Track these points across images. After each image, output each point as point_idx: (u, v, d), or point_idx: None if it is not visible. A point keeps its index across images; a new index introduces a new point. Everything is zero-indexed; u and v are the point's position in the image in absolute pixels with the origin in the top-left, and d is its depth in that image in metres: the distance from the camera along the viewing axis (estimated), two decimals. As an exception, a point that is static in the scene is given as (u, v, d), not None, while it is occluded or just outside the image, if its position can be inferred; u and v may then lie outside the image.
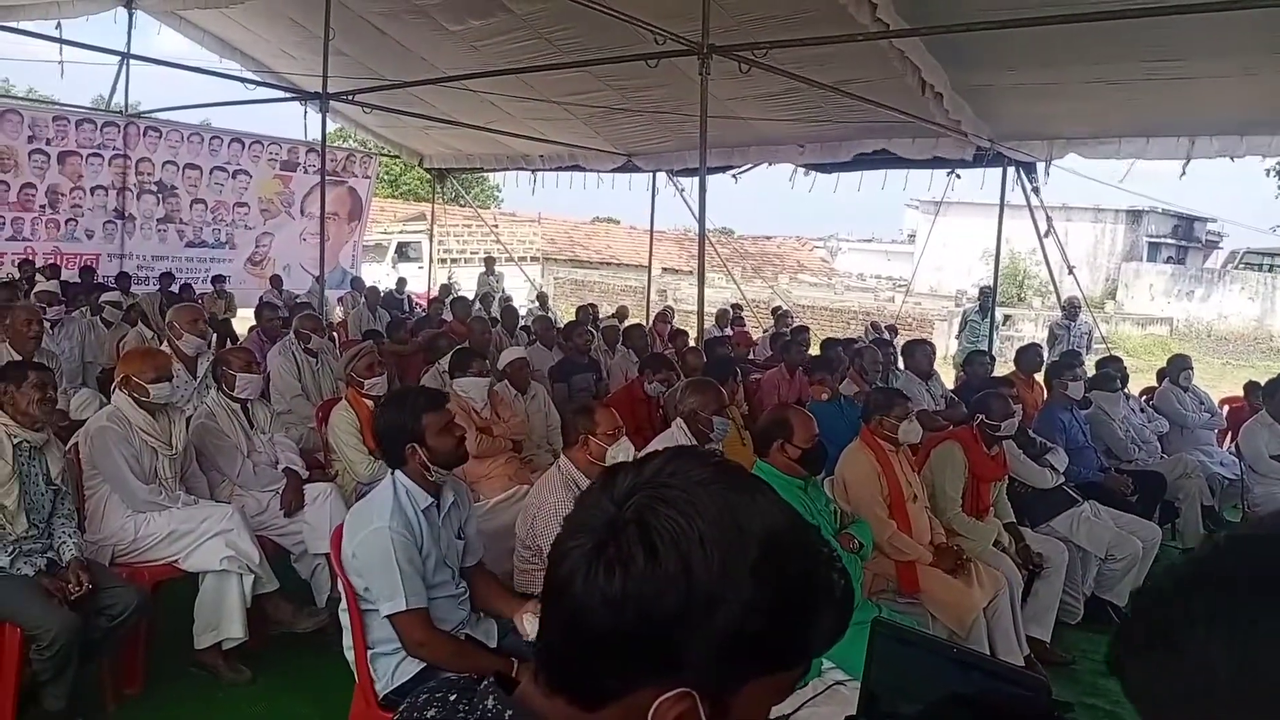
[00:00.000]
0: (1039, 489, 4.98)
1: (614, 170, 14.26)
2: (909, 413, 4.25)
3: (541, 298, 15.29)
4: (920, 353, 6.91)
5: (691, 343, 8.47)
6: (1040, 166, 10.94)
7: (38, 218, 12.63)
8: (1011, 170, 11.10)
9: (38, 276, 9.88)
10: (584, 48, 9.50)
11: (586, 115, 12.13)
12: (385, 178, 23.75)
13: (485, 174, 20.95)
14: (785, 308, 14.15)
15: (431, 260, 18.68)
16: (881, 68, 8.44)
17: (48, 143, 12.63)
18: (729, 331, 11.12)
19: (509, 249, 20.49)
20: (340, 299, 13.50)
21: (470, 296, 12.86)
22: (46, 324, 5.82)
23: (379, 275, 17.22)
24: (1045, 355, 7.91)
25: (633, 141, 13.16)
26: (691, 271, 27.01)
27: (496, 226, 21.60)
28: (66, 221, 12.94)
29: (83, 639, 3.21)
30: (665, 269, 24.19)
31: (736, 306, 13.34)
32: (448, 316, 11.07)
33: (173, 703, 3.60)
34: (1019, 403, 4.91)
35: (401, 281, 14.40)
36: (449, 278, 17.77)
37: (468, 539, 3.10)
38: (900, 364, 7.48)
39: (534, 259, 23.84)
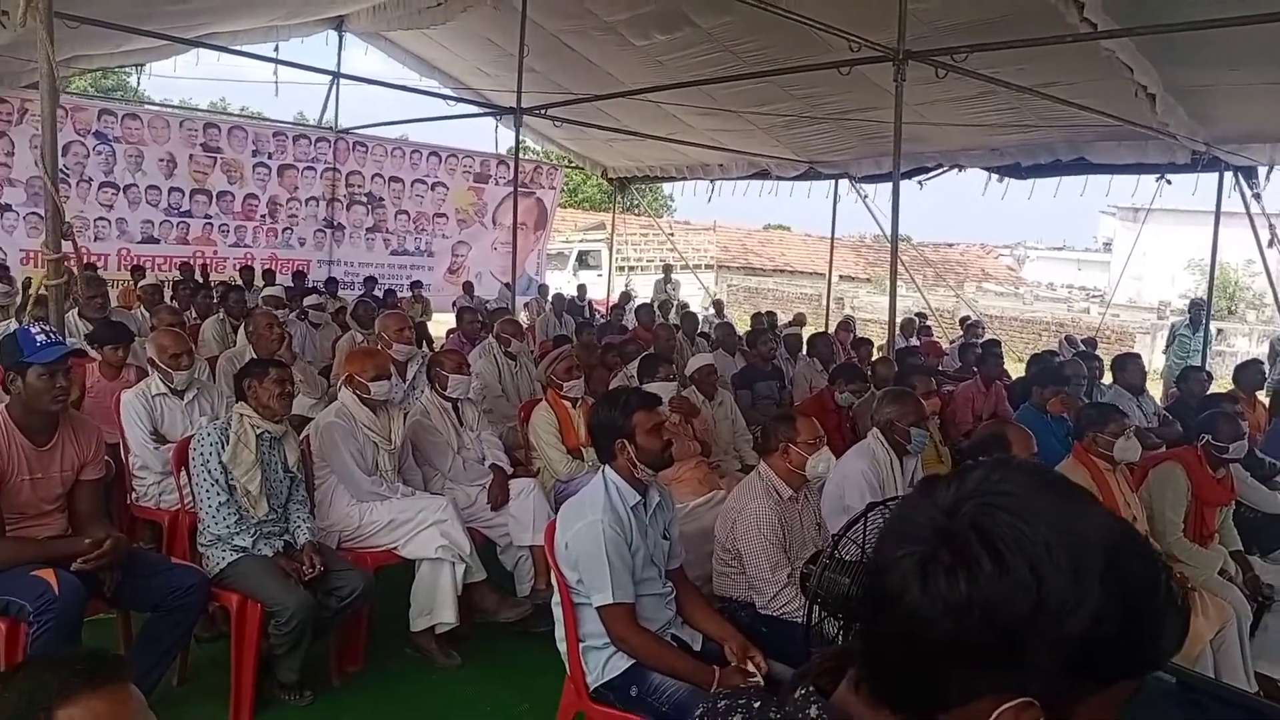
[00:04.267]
0: (1268, 514, 4.61)
1: (794, 178, 14.17)
2: (1126, 429, 4.03)
3: (717, 305, 15.35)
4: (1132, 366, 6.53)
5: (877, 352, 8.30)
6: (1262, 171, 10.14)
7: (258, 226, 13.78)
8: (1229, 175, 10.32)
9: (258, 281, 10.72)
10: (770, 58, 9.50)
11: (769, 125, 12.12)
12: (567, 188, 24.43)
13: (659, 184, 21.24)
14: (975, 318, 13.64)
15: (610, 268, 19.09)
16: (1086, 69, 8.04)
17: (269, 156, 13.75)
18: (916, 341, 10.84)
19: (684, 257, 20.67)
20: (526, 305, 14.00)
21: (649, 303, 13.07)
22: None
23: (560, 282, 17.73)
24: (1266, 372, 7.31)
25: (815, 149, 13.05)
26: (869, 279, 26.51)
27: (672, 234, 21.84)
28: (283, 230, 14.03)
29: (314, 617, 3.47)
30: (842, 276, 23.79)
31: (921, 315, 12.97)
32: (627, 322, 11.31)
33: (390, 681, 3.83)
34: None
35: (582, 288, 14.79)
36: (627, 285, 18.10)
37: (671, 540, 3.16)
38: (1106, 378, 7.08)
39: (708, 266, 23.96)
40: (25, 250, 11.31)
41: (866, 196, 13.70)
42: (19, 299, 6.34)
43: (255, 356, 5.36)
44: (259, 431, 3.67)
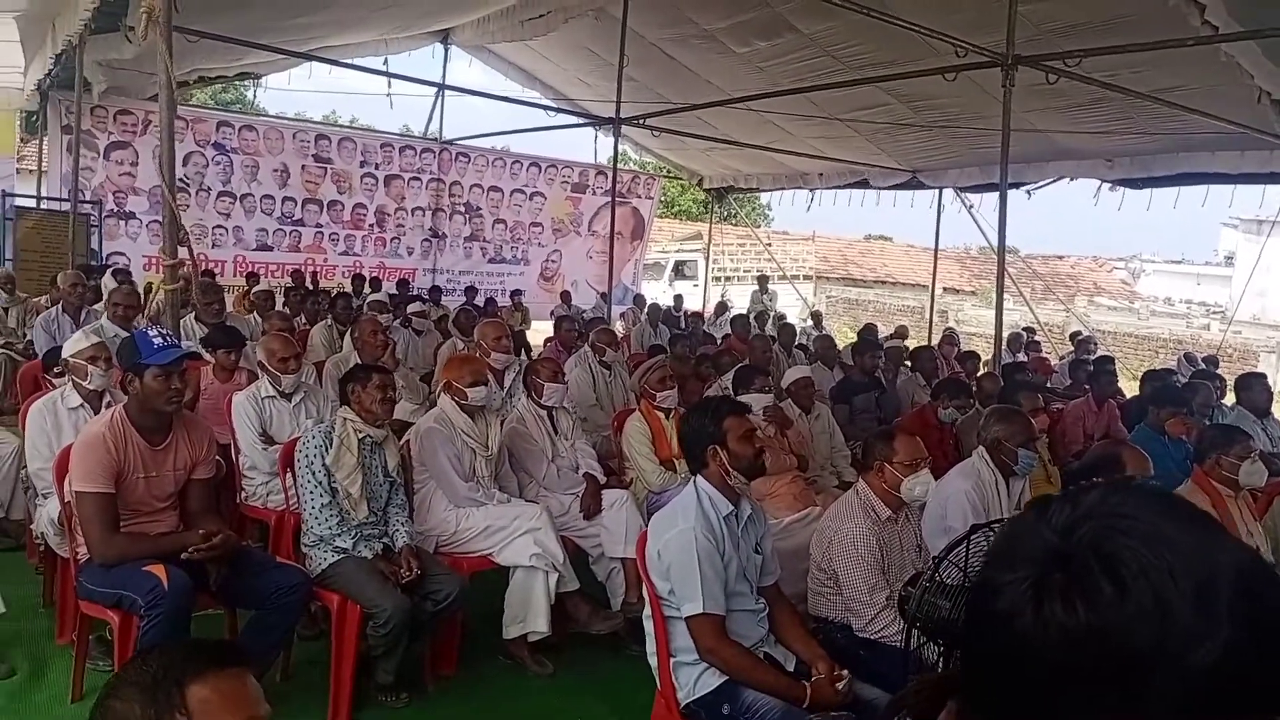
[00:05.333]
0: None
1: (896, 186, 13.91)
2: (1251, 453, 3.80)
3: (816, 316, 15.14)
4: (1257, 387, 6.18)
5: (983, 367, 8.05)
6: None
7: (367, 235, 14.21)
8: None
9: (366, 288, 11.02)
10: (873, 63, 9.35)
11: (871, 132, 11.93)
12: (663, 199, 24.50)
13: (758, 193, 21.10)
14: (1086, 333, 13.14)
15: (706, 278, 19.03)
16: (1206, 74, 7.69)
17: (376, 167, 14.16)
18: (1024, 357, 10.49)
19: (782, 267, 20.49)
20: (622, 314, 14.06)
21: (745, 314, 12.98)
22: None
23: (656, 292, 17.77)
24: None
25: (919, 157, 12.79)
26: (974, 292, 25.80)
27: (770, 245, 21.67)
28: (391, 239, 14.42)
29: (411, 620, 3.52)
30: (945, 289, 23.22)
31: (1029, 330, 12.56)
32: (714, 332, 11.25)
33: (483, 686, 3.85)
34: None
35: (679, 298, 14.77)
36: (723, 295, 18.02)
37: (764, 556, 3.10)
38: (1228, 399, 6.72)
39: (806, 277, 23.69)
40: (147, 256, 11.87)
41: (972, 206, 13.36)
42: (144, 303, 6.65)
43: (359, 362, 5.50)
44: (361, 435, 3.73)
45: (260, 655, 3.29)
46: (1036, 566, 0.74)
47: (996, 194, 7.52)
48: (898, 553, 3.38)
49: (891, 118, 11.07)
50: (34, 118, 11.85)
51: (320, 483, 3.64)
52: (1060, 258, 31.91)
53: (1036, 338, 12.70)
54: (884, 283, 26.37)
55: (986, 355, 10.41)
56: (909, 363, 8.31)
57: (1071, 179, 11.71)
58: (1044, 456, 5.03)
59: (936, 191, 13.79)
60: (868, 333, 10.71)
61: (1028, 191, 12.30)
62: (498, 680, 3.91)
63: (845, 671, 2.84)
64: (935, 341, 11.67)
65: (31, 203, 11.37)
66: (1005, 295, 7.34)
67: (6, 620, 3.72)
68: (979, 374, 7.66)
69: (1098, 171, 11.25)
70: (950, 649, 2.61)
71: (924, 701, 1.21)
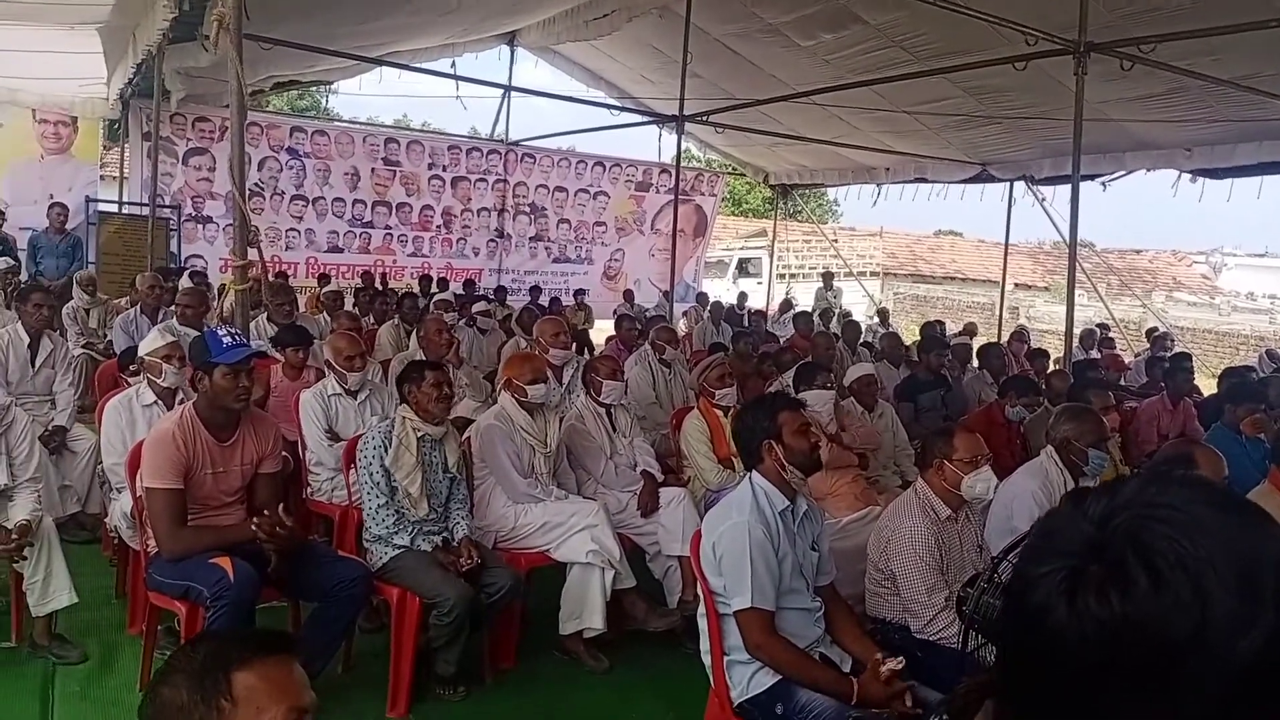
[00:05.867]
0: None
1: (965, 180, 13.65)
2: (1334, 453, 3.62)
3: (882, 313, 14.95)
4: (1342, 385, 5.91)
5: (1054, 364, 7.86)
6: None
7: (434, 236, 14.44)
8: None
9: (433, 288, 11.19)
10: (941, 54, 9.18)
11: (940, 125, 11.72)
12: (728, 196, 24.40)
13: (824, 189, 20.88)
14: (1162, 329, 12.74)
15: (771, 275, 18.90)
16: (1293, 59, 7.39)
17: (443, 169, 14.38)
18: (1097, 354, 10.21)
19: (848, 264, 20.25)
20: (685, 313, 14.04)
21: (808, 311, 12.87)
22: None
23: (719, 290, 17.71)
24: None
25: (988, 149, 12.54)
26: (1047, 287, 25.19)
27: (836, 241, 21.44)
28: (458, 240, 14.63)
29: (473, 609, 3.55)
30: (1017, 284, 22.71)
31: (1103, 326, 12.22)
32: (777, 330, 11.16)
33: (540, 681, 3.88)
34: None
35: (743, 296, 14.70)
36: (788, 293, 17.89)
37: (820, 554, 3.06)
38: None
39: (873, 274, 23.37)
40: (224, 259, 12.18)
41: (1044, 200, 13.03)
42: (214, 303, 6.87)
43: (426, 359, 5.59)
44: (420, 434, 3.76)
45: (322, 647, 3.36)
46: (1071, 558, 0.73)
47: (1068, 186, 7.34)
48: (958, 553, 3.32)
49: (960, 109, 10.86)
50: (116, 126, 12.27)
51: (377, 484, 3.68)
52: (1137, 252, 30.93)
53: (1111, 334, 12.35)
54: (953, 279, 25.88)
55: (1058, 353, 10.19)
56: (976, 360, 8.13)
57: (1149, 170, 11.35)
58: (1115, 457, 4.90)
59: (1007, 184, 13.49)
60: (931, 329, 10.53)
61: (1103, 183, 11.96)
62: (554, 675, 3.94)
63: (896, 662, 2.77)
64: (1005, 338, 11.43)
65: (113, 208, 11.78)
66: (1079, 291, 7.15)
67: (80, 610, 3.86)
68: (1048, 371, 7.47)
69: (1176, 161, 10.88)
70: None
71: (970, 704, 1.19)
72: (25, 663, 3.71)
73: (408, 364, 4.11)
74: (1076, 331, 8.25)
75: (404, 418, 3.78)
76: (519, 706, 3.66)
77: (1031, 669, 0.75)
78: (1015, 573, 0.78)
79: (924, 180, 14.09)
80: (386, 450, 3.70)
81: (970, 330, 11.87)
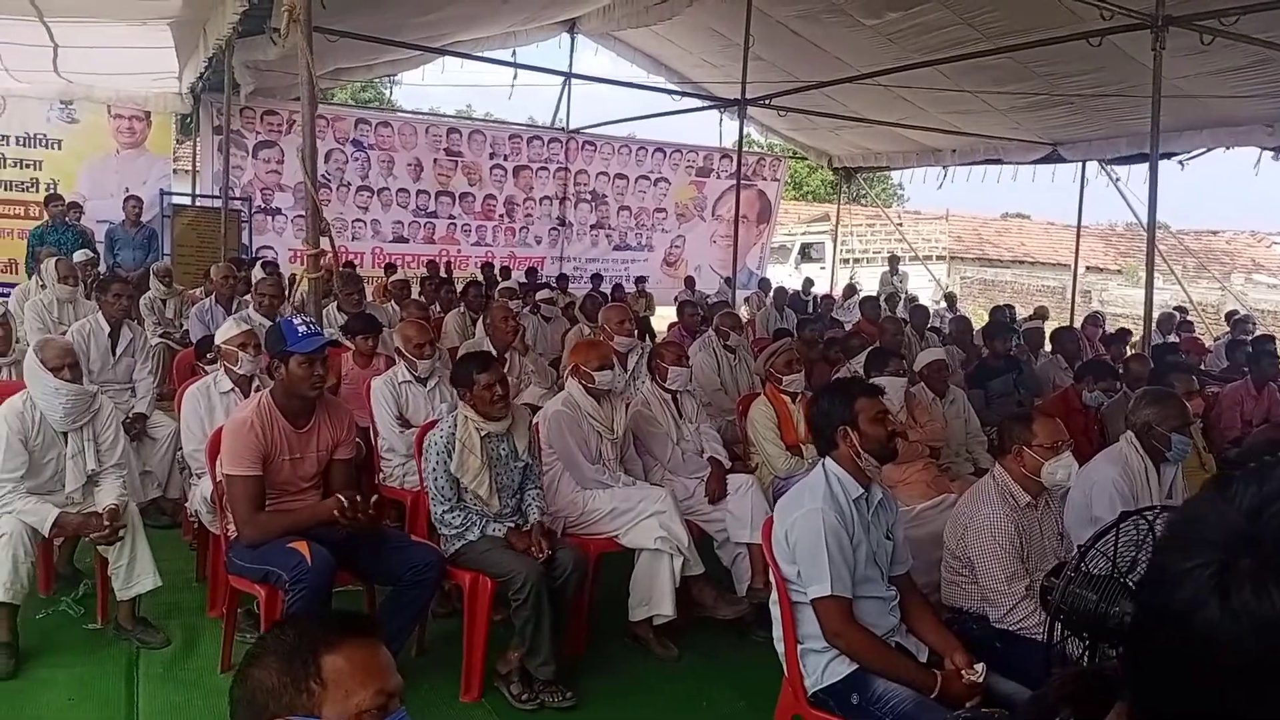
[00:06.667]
0: None
1: (1035, 161, 13.31)
2: None
3: (950, 298, 14.68)
4: None
5: (1130, 349, 7.63)
6: None
7: (497, 225, 14.55)
8: None
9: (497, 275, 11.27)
10: (1010, 32, 8.94)
11: (1008, 105, 11.44)
12: (790, 180, 24.15)
13: (888, 172, 20.56)
14: (1243, 312, 12.30)
15: (834, 260, 18.67)
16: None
17: (505, 158, 14.47)
18: (1175, 338, 9.90)
19: (914, 247, 19.92)
20: (746, 299, 13.94)
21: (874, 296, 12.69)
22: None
23: (781, 276, 17.56)
24: None
25: (1060, 129, 12.19)
26: (1119, 270, 24.52)
27: (901, 225, 21.10)
28: (520, 229, 14.72)
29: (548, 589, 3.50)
30: (1089, 267, 22.13)
31: (1181, 309, 11.84)
32: (841, 316, 11.01)
33: (609, 667, 3.89)
34: None
35: (808, 282, 14.55)
36: (851, 278, 17.66)
37: (895, 543, 3.01)
38: None
39: (939, 258, 22.97)
40: (293, 249, 12.46)
41: (1118, 180, 12.66)
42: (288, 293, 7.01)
43: (492, 347, 5.62)
44: (484, 433, 3.67)
45: (396, 631, 3.40)
46: (1220, 551, 0.67)
47: (1144, 166, 7.12)
48: (1038, 541, 3.23)
49: (1028, 90, 10.57)
50: (188, 120, 12.56)
51: (441, 489, 3.62)
52: (1215, 233, 29.87)
53: (1189, 317, 11.96)
54: (1022, 262, 25.30)
55: (1135, 337, 9.90)
56: (1049, 345, 7.93)
57: (1228, 148, 10.95)
58: (1198, 443, 4.74)
59: (1079, 165, 13.13)
60: (999, 314, 10.30)
61: (1180, 162, 11.59)
62: (624, 661, 3.94)
63: (981, 665, 2.74)
64: (1078, 323, 11.15)
65: (186, 200, 12.07)
66: (1155, 273, 6.92)
67: (162, 594, 3.95)
68: (1126, 356, 7.25)
69: (1256, 139, 10.48)
70: (1096, 643, 2.48)
71: (1065, 699, 1.14)
72: (111, 644, 3.83)
73: (456, 366, 4.03)
74: (1155, 315, 8.00)
75: (466, 418, 3.69)
76: (589, 693, 3.65)
77: (1174, 669, 0.70)
78: (1153, 566, 0.73)
79: (993, 161, 13.78)
80: (450, 456, 3.62)
81: (1042, 314, 11.61)
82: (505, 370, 5.70)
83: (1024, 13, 8.50)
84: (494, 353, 5.71)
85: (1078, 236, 14.86)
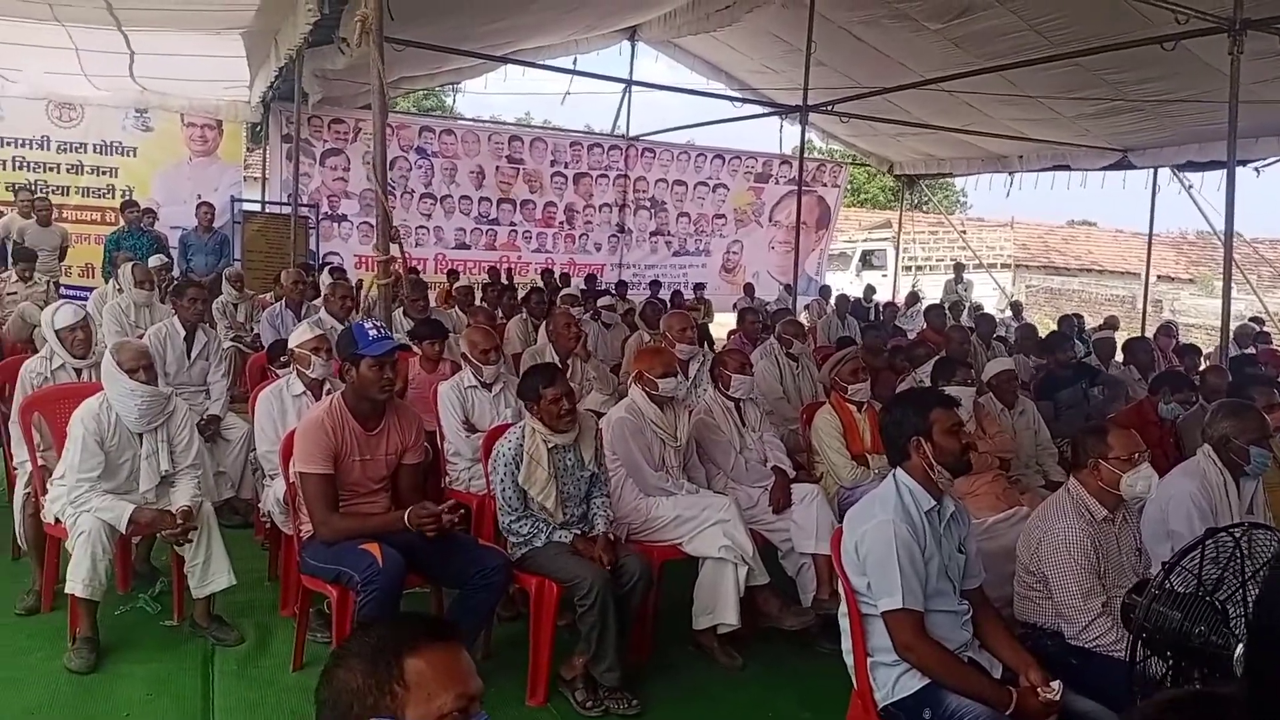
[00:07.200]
0: None
1: (1104, 168, 13.03)
2: None
3: (1015, 306, 14.41)
4: None
5: (1205, 360, 7.42)
6: None
7: (557, 232, 14.67)
8: None
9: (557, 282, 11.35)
10: (1079, 38, 8.76)
11: (1076, 112, 11.21)
12: (849, 187, 23.96)
13: (951, 179, 20.28)
14: (1324, 323, 11.89)
15: (896, 268, 18.46)
16: None
17: (565, 166, 14.58)
18: (1252, 349, 9.59)
19: (977, 255, 19.60)
20: (806, 306, 13.83)
21: (939, 304, 12.51)
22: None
23: (842, 283, 17.40)
24: None
25: (1130, 135, 11.92)
26: (1191, 279, 23.85)
27: (965, 232, 20.78)
28: (579, 235, 14.82)
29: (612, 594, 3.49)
30: (1160, 276, 21.58)
31: (1258, 320, 11.47)
32: (904, 324, 10.86)
33: (673, 674, 3.88)
34: None
35: (869, 289, 14.39)
36: (914, 285, 17.44)
37: (968, 556, 2.95)
38: None
39: (1004, 266, 22.57)
40: (359, 255, 12.70)
41: (1190, 187, 12.33)
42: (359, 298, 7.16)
43: (554, 353, 5.66)
44: (551, 446, 3.69)
45: (463, 633, 3.42)
46: None
47: (1217, 173, 6.92)
48: (1115, 556, 3.15)
49: (1097, 96, 10.35)
50: (258, 128, 12.86)
51: (509, 500, 3.66)
52: (1291, 241, 28.97)
53: (1266, 329, 11.59)
54: (1089, 271, 24.75)
55: (1208, 348, 9.63)
56: (1121, 355, 7.74)
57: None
58: (1279, 456, 4.58)
59: (1150, 172, 12.81)
60: (1066, 323, 10.09)
61: (1256, 169, 11.26)
62: (688, 669, 3.93)
63: (1057, 682, 2.67)
64: (1148, 333, 10.87)
65: (256, 207, 12.35)
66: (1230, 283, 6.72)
67: (235, 592, 4.04)
68: (1202, 367, 7.05)
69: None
70: (1181, 663, 2.41)
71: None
72: (187, 641, 3.92)
73: (522, 379, 4.03)
74: (1231, 326, 7.77)
75: (533, 429, 3.70)
76: (654, 699, 3.65)
77: None
78: (1270, 587, 0.71)
79: (1060, 168, 13.52)
80: (518, 468, 3.64)
81: (1113, 324, 11.35)
82: (568, 376, 5.79)
83: (1093, 19, 8.33)
84: (556, 359, 5.77)
85: (1149, 244, 14.49)
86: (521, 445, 3.68)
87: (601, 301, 9.14)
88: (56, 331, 4.52)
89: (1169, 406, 5.22)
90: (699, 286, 14.25)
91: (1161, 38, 6.96)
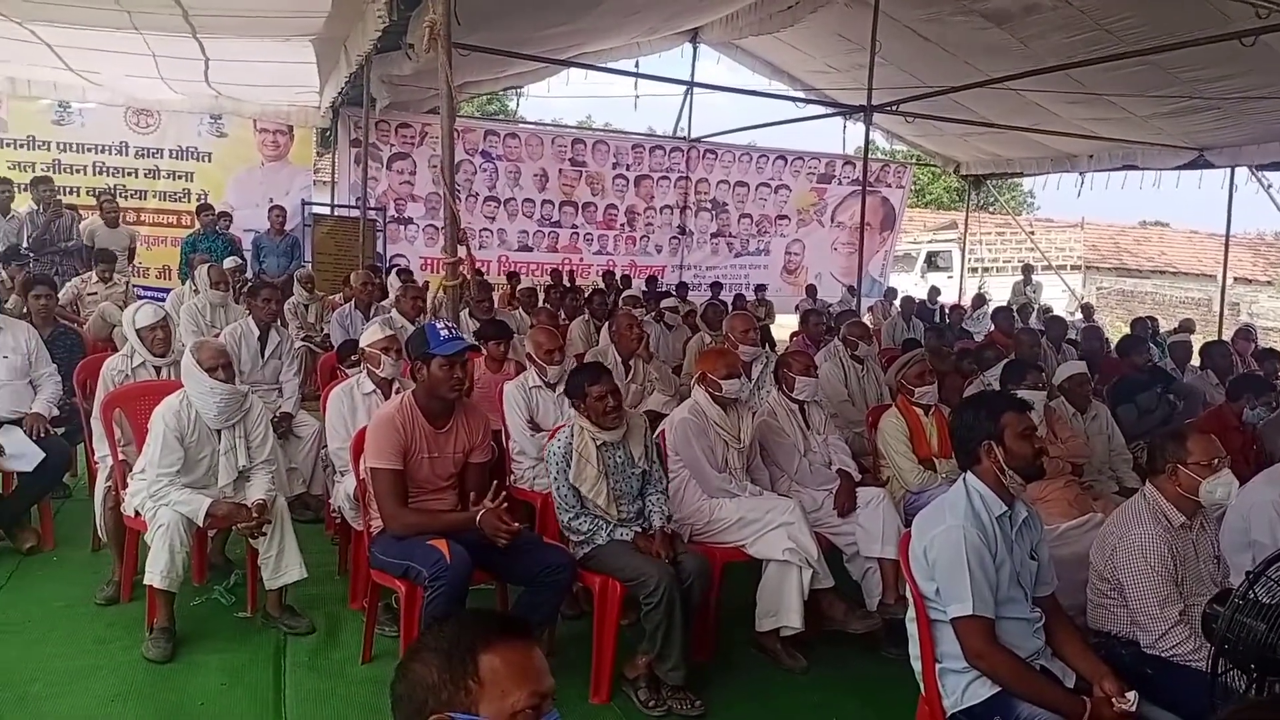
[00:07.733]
0: None
1: (1179, 167, 12.66)
2: None
3: (1086, 309, 14.08)
4: None
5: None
6: None
7: (619, 235, 14.73)
8: None
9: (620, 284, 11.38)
10: (1152, 35, 8.52)
11: (1148, 110, 10.91)
12: (914, 187, 23.65)
13: (1018, 179, 19.88)
14: None
15: (962, 269, 18.17)
16: None
17: (627, 168, 14.64)
18: (1336, 353, 9.25)
19: (1046, 257, 19.20)
20: (870, 308, 13.68)
21: (1008, 307, 12.28)
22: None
23: (907, 285, 17.18)
24: None
25: (1206, 133, 11.56)
26: (1269, 281, 23.08)
27: (1033, 233, 20.37)
28: (640, 238, 14.86)
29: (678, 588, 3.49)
30: (1236, 278, 20.91)
31: (1343, 324, 11.06)
32: (970, 327, 10.67)
33: (736, 675, 3.87)
34: None
35: (934, 291, 14.18)
36: (980, 287, 17.15)
37: (1040, 563, 2.90)
38: None
39: (1074, 267, 22.07)
40: (424, 257, 12.90)
41: (1270, 186, 11.94)
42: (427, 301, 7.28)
43: (616, 354, 5.69)
44: (600, 443, 3.71)
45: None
46: None
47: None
48: (1193, 564, 3.07)
49: (1170, 94, 10.05)
50: (327, 133, 13.14)
51: (564, 498, 3.70)
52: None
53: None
54: (1163, 273, 24.08)
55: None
56: (1198, 359, 7.53)
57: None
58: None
59: (1227, 171, 12.43)
60: (1139, 327, 9.83)
61: (1344, 167, 10.85)
62: (751, 671, 3.92)
63: (1133, 693, 2.61)
64: (1226, 336, 10.54)
65: (325, 210, 12.62)
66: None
67: (306, 586, 4.13)
68: (1284, 372, 6.82)
69: None
70: (1263, 675, 2.34)
71: None
72: (259, 632, 4.03)
73: (570, 377, 4.04)
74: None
75: (581, 428, 3.73)
76: (716, 701, 3.64)
77: None
78: None
79: (1132, 167, 13.18)
80: (569, 466, 3.68)
81: (1188, 327, 11.03)
82: (630, 377, 5.82)
83: (1165, 15, 8.10)
84: (619, 360, 5.80)
85: (1226, 245, 14.05)
86: (571, 443, 3.72)
87: (665, 303, 9.15)
88: (137, 330, 4.66)
89: (1254, 411, 5.06)
90: (760, 288, 14.18)
91: (1241, 33, 6.74)
